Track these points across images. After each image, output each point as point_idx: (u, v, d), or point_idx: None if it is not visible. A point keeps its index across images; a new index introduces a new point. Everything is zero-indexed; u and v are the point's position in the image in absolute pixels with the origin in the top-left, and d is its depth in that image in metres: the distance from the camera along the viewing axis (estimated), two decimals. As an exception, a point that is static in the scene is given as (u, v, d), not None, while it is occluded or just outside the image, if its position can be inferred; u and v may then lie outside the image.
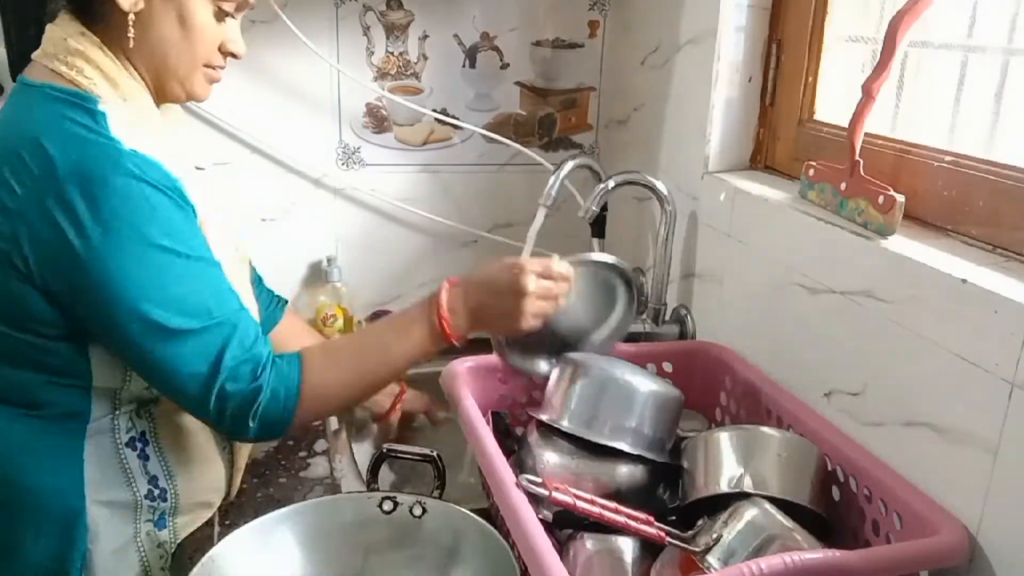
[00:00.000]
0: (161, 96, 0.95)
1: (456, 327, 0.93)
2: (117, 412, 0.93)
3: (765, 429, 0.90)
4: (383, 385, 0.98)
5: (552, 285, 0.92)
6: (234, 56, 0.96)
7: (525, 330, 0.93)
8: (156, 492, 0.96)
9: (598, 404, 0.93)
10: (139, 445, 0.95)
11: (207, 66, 0.95)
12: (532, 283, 0.91)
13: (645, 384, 0.94)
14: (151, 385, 0.91)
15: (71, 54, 0.87)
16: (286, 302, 1.24)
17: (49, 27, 0.91)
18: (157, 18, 0.89)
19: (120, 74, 0.89)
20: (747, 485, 0.83)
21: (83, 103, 0.85)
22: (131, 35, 0.88)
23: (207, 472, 1.01)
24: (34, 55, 0.90)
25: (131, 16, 0.87)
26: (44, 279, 0.84)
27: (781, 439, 0.88)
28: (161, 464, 0.96)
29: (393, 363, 0.94)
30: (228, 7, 0.92)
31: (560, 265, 0.94)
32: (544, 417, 0.94)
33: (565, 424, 0.92)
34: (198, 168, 1.01)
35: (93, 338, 0.89)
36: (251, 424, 0.87)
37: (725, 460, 0.87)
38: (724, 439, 0.89)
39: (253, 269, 1.16)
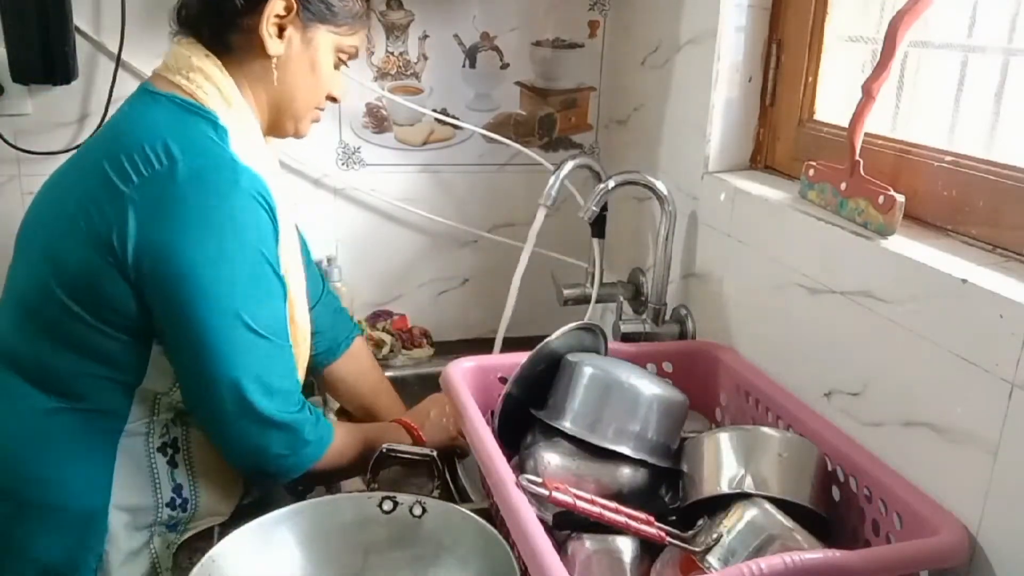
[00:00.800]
0: (272, 130, 1.03)
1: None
2: (154, 418, 0.94)
3: (765, 429, 0.90)
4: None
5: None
6: (334, 101, 1.05)
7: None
8: (179, 501, 0.97)
9: (602, 407, 0.92)
10: (170, 451, 0.96)
11: (316, 107, 1.03)
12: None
13: (650, 388, 0.93)
14: (190, 388, 0.93)
15: (193, 71, 0.94)
16: (359, 332, 1.30)
17: (174, 46, 0.97)
18: (293, 64, 0.98)
19: (235, 95, 0.95)
20: (748, 486, 0.83)
21: (205, 115, 0.92)
22: (275, 77, 0.97)
23: (228, 484, 1.02)
24: (156, 68, 0.97)
25: (274, 60, 0.96)
26: (139, 268, 0.86)
27: (781, 439, 0.88)
28: (188, 473, 0.97)
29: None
30: (346, 58, 1.02)
31: None
32: (546, 418, 0.93)
33: (567, 426, 0.91)
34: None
35: (159, 336, 0.91)
36: (289, 446, 0.94)
37: (725, 461, 0.87)
38: (724, 440, 0.89)
39: (331, 293, 1.26)
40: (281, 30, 0.95)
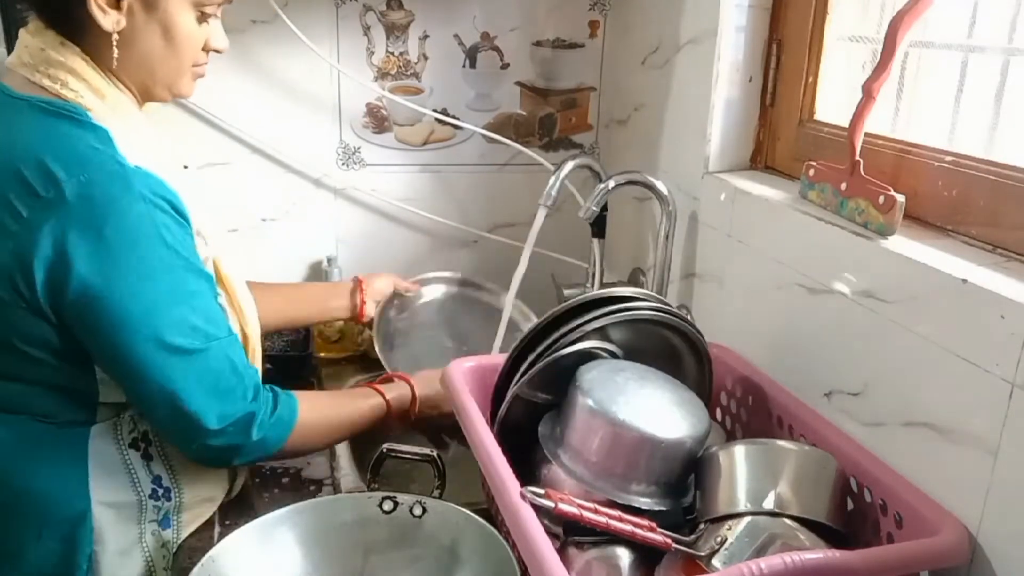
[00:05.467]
0: (146, 99, 0.95)
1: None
2: (120, 416, 0.93)
3: (781, 443, 0.86)
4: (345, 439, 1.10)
5: None
6: (217, 52, 0.96)
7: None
8: (160, 492, 0.96)
9: (618, 458, 0.85)
10: (142, 445, 0.95)
11: (193, 66, 0.94)
12: None
13: (674, 430, 0.85)
14: (143, 408, 0.91)
15: (52, 66, 0.86)
16: None
17: (23, 34, 0.89)
18: (140, 34, 0.88)
19: (105, 86, 0.88)
20: (767, 505, 0.81)
21: (80, 118, 0.84)
22: (115, 55, 0.87)
23: (211, 469, 1.01)
24: (8, 63, 0.88)
25: (114, 35, 0.86)
26: (52, 304, 0.83)
27: (799, 453, 0.85)
28: (164, 463, 0.96)
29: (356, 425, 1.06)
30: (210, 10, 0.92)
31: None
32: (546, 447, 0.90)
33: (581, 471, 0.86)
34: (184, 167, 1.00)
35: (95, 360, 0.88)
36: (251, 439, 0.92)
37: (741, 478, 0.83)
38: (740, 455, 0.85)
39: None
40: (117, 1, 0.85)
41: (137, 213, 0.82)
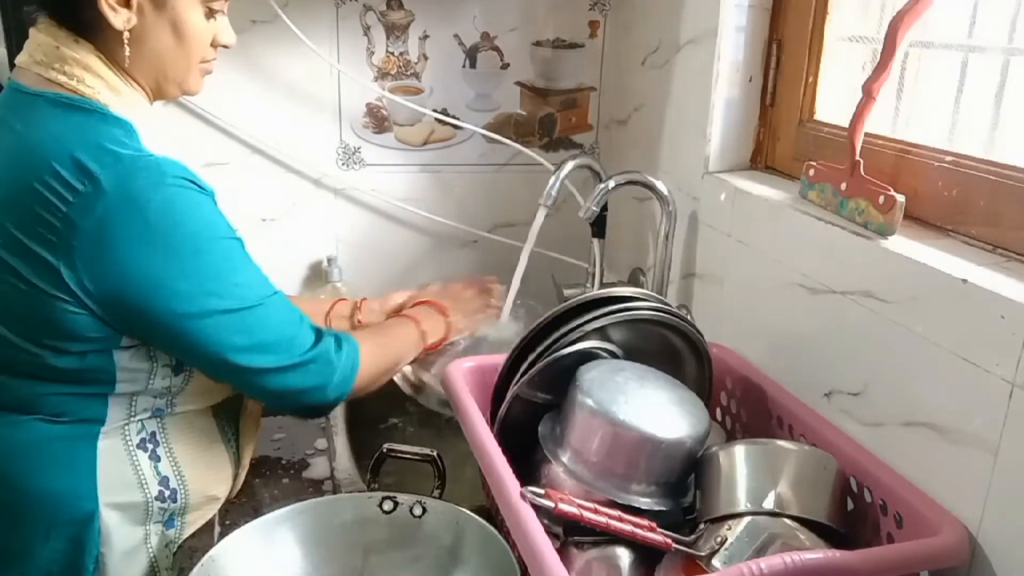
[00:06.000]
0: (157, 97, 0.96)
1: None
2: (131, 417, 0.93)
3: (781, 443, 0.86)
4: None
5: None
6: (225, 47, 0.98)
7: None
8: (167, 493, 0.96)
9: (618, 458, 0.85)
10: (150, 447, 0.95)
11: (202, 62, 0.96)
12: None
13: (674, 430, 0.85)
14: (219, 377, 0.95)
15: (67, 63, 0.87)
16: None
17: (34, 33, 0.89)
18: (151, 31, 0.89)
19: (119, 82, 0.89)
20: (768, 505, 0.81)
21: (102, 112, 0.86)
22: (127, 53, 0.88)
23: (215, 469, 1.01)
24: (20, 61, 0.89)
25: (125, 33, 0.87)
26: (101, 293, 0.84)
27: (799, 453, 0.85)
28: (172, 464, 0.97)
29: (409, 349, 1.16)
30: (218, 6, 0.93)
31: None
32: (546, 447, 0.90)
33: (581, 471, 0.86)
34: None
35: (157, 344, 0.90)
36: (332, 377, 0.97)
37: (742, 478, 0.83)
38: (740, 455, 0.85)
39: None
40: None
41: (176, 195, 0.85)
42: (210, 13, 0.93)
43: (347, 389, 1.00)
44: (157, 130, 0.93)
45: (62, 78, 0.86)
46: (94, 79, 0.87)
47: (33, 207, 0.82)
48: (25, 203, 0.82)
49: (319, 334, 0.98)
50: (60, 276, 0.82)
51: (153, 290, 0.85)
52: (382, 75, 1.50)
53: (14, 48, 1.25)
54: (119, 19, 0.86)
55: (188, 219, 0.86)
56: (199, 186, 0.89)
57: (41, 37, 0.88)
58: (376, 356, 1.05)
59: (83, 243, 0.82)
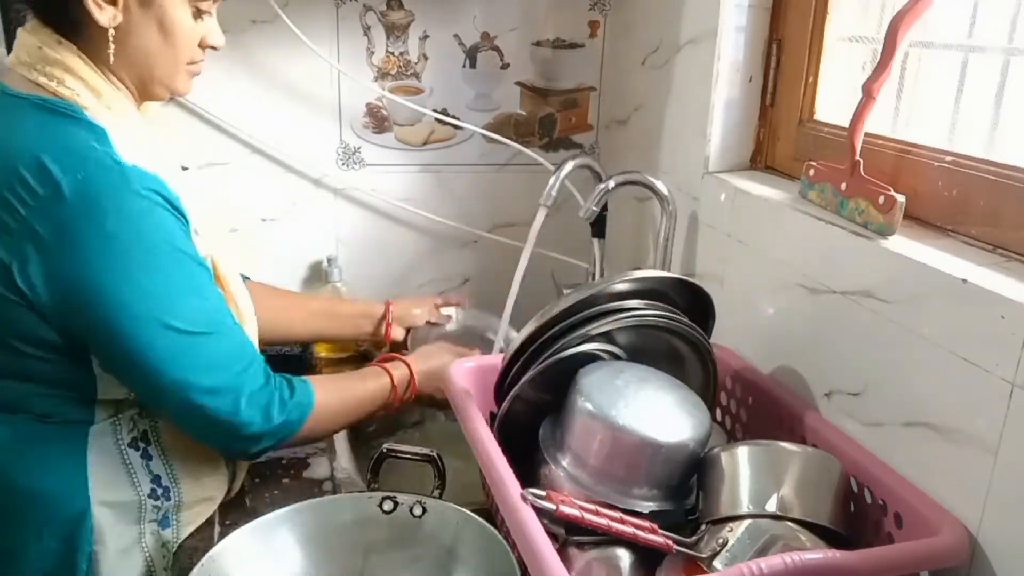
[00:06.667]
0: (144, 97, 0.95)
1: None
2: (120, 416, 0.93)
3: (784, 445, 0.86)
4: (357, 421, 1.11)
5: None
6: (214, 48, 0.96)
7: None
8: (159, 491, 0.96)
9: (619, 462, 0.84)
10: (141, 445, 0.95)
11: (189, 63, 0.95)
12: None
13: (675, 433, 0.85)
14: (155, 399, 0.92)
15: (49, 64, 0.86)
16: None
17: (21, 33, 0.89)
18: (137, 29, 0.88)
19: (102, 84, 0.88)
20: (770, 508, 0.80)
21: (77, 116, 0.85)
22: (111, 50, 0.87)
23: (209, 468, 1.01)
24: (8, 62, 0.89)
25: (111, 31, 0.86)
26: (52, 303, 0.83)
27: (802, 455, 0.84)
28: (164, 463, 0.96)
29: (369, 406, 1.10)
30: (205, 6, 0.92)
31: None
32: (546, 449, 0.90)
33: (581, 476, 0.86)
34: (183, 168, 1.01)
35: (100, 356, 0.88)
36: (271, 423, 0.94)
37: (744, 480, 0.83)
38: (743, 456, 0.84)
39: None
40: None
41: (137, 208, 0.83)
42: (198, 13, 0.92)
43: (288, 434, 0.97)
44: (146, 133, 0.93)
45: (43, 79, 0.86)
46: (74, 81, 0.86)
47: None
48: None
49: (269, 377, 0.95)
50: (12, 276, 0.82)
51: (103, 301, 0.83)
52: (382, 75, 1.50)
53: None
54: (104, 16, 0.85)
55: (148, 232, 0.84)
56: (171, 205, 0.87)
57: (27, 37, 0.88)
58: (335, 401, 1.03)
59: (38, 247, 0.81)
